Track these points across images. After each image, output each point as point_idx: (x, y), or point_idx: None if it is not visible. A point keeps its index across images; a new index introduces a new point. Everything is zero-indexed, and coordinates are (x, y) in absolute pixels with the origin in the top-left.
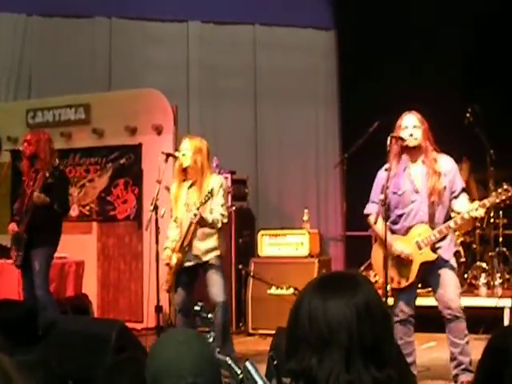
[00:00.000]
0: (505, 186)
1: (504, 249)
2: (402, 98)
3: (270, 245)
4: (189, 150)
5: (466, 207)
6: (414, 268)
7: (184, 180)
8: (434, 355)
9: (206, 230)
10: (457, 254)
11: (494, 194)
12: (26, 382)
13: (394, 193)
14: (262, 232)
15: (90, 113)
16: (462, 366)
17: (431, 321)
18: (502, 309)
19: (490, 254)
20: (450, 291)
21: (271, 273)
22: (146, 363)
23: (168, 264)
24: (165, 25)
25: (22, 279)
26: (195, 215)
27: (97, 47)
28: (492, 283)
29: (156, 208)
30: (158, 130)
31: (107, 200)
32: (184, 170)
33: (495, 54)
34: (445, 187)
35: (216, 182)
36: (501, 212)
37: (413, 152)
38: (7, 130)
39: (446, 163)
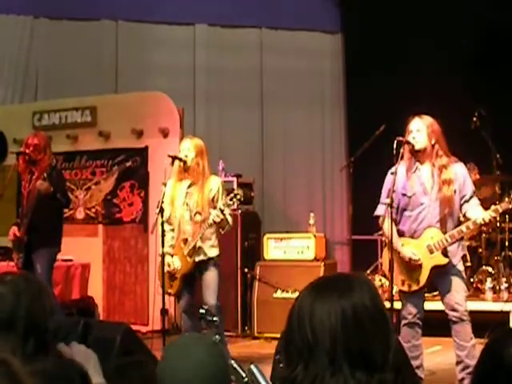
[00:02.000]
0: None
1: (510, 253)
2: (409, 102)
3: (275, 248)
4: (191, 150)
5: (480, 214)
6: (425, 272)
7: (181, 179)
8: (439, 359)
9: (207, 230)
10: (463, 258)
11: (506, 199)
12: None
13: (404, 194)
14: (267, 235)
15: (96, 115)
16: (468, 370)
17: (437, 325)
18: (507, 313)
19: (496, 258)
20: (456, 295)
21: (277, 276)
22: (158, 367)
23: (169, 271)
24: (171, 28)
25: None
26: (218, 216)
27: (103, 50)
28: (498, 287)
29: (162, 211)
30: (164, 133)
31: (113, 203)
32: (184, 170)
33: (503, 57)
34: (454, 191)
35: (215, 183)
36: (507, 216)
37: (419, 155)
38: (13, 132)
39: (455, 168)
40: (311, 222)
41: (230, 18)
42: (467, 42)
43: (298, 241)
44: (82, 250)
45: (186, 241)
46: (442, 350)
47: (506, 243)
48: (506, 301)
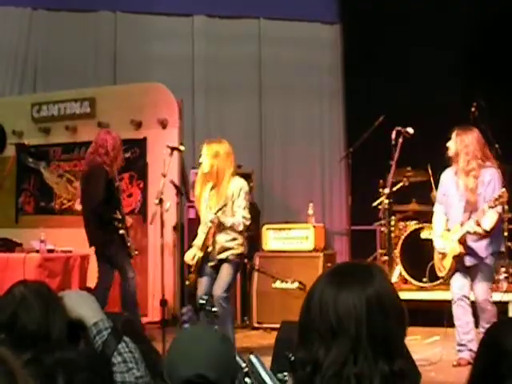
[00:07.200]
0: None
1: (509, 243)
2: (408, 92)
3: (274, 239)
4: (205, 155)
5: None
6: (449, 260)
7: (206, 182)
8: (437, 349)
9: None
10: (496, 255)
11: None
12: (32, 380)
13: (444, 195)
14: (266, 226)
15: (95, 106)
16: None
17: (435, 315)
18: (506, 303)
19: None
20: (477, 287)
21: (276, 267)
22: (168, 351)
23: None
24: (170, 19)
25: None
26: (212, 221)
27: (102, 41)
28: (497, 278)
29: (161, 202)
30: (163, 124)
31: None
32: (206, 175)
33: (502, 47)
34: (479, 194)
35: (236, 185)
36: (506, 207)
37: (454, 160)
38: (12, 123)
39: (484, 173)
40: (310, 212)
41: (229, 9)
42: (467, 31)
43: (297, 231)
44: (81, 241)
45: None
46: (440, 340)
47: (505, 233)
48: (505, 291)
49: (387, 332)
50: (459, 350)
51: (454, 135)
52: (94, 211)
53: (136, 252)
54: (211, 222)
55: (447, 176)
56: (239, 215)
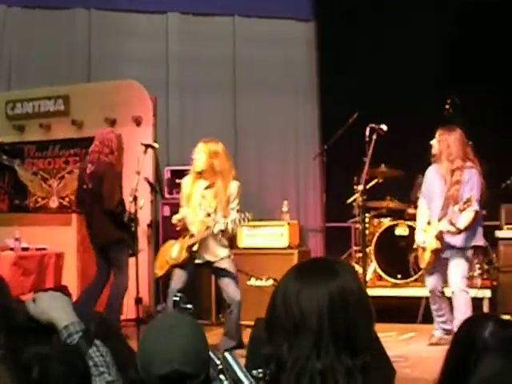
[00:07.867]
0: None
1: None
2: (382, 89)
3: (249, 236)
4: (202, 152)
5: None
6: (427, 254)
7: (198, 179)
8: (412, 346)
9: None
10: (474, 249)
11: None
12: (6, 374)
13: (428, 190)
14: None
15: (69, 104)
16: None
17: (410, 312)
18: (481, 299)
19: None
20: (452, 277)
21: (250, 264)
22: (138, 345)
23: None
24: (144, 16)
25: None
26: (221, 225)
27: (76, 39)
28: (471, 274)
29: (135, 199)
30: (138, 122)
31: None
32: (199, 173)
33: (476, 42)
34: (459, 192)
35: (234, 187)
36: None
37: (436, 158)
38: None
39: (465, 173)
40: (285, 209)
41: (203, 6)
42: (442, 29)
43: (271, 228)
44: (56, 239)
45: (192, 236)
46: (415, 336)
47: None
48: (480, 287)
49: (350, 327)
50: (436, 329)
51: (437, 135)
52: (113, 211)
53: (141, 250)
54: (221, 226)
55: (431, 172)
56: (231, 217)
